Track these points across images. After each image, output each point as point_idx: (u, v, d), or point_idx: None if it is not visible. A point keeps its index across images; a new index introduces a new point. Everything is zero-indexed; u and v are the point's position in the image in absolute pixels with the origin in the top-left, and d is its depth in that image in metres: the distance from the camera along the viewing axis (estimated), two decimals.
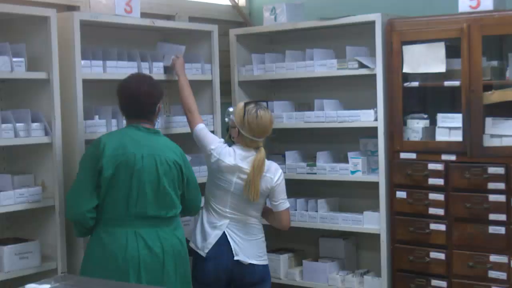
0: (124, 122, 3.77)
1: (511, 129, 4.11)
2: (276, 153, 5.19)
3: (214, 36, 4.72)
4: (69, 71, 3.83)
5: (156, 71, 4.28)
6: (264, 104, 4.02)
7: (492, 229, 4.07)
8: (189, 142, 4.78)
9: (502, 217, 4.05)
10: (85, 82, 3.88)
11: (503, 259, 4.05)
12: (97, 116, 3.99)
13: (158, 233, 3.52)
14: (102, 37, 4.31)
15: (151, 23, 4.35)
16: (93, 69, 3.96)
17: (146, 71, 4.20)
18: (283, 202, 3.92)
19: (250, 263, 3.83)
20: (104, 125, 3.97)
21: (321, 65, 4.74)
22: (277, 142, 5.29)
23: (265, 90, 5.28)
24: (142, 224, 3.49)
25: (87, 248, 3.54)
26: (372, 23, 4.48)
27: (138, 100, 3.61)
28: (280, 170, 3.93)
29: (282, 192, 3.91)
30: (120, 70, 4.07)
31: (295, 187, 5.03)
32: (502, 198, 4.05)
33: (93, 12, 4.09)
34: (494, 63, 4.23)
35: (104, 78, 4.04)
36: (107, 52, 4.12)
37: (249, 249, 3.87)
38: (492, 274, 4.08)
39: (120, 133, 3.64)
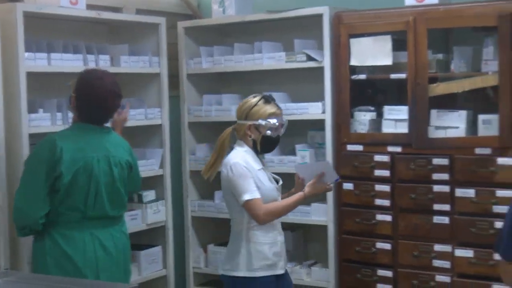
0: (70, 115, 3.71)
1: (455, 121, 4.18)
2: None
3: (161, 29, 4.70)
4: (13, 64, 3.77)
5: (103, 64, 4.24)
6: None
7: (436, 219, 4.14)
8: (137, 136, 4.77)
9: (446, 207, 4.12)
10: (30, 75, 3.82)
11: (447, 248, 4.12)
12: (41, 110, 3.93)
13: (111, 233, 3.53)
14: (47, 30, 4.26)
15: (97, 15, 4.31)
16: (37, 62, 3.90)
17: (92, 64, 4.16)
18: (239, 196, 3.55)
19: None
20: (48, 119, 3.92)
21: (269, 58, 4.75)
22: None
23: (214, 83, 5.27)
24: (97, 225, 3.48)
25: (39, 249, 3.46)
26: (320, 16, 4.51)
27: (105, 104, 3.48)
28: (229, 164, 3.64)
29: (235, 187, 3.57)
30: (65, 62, 4.02)
31: None
32: (446, 188, 4.12)
33: (38, 3, 4.03)
34: (440, 56, 4.29)
35: (49, 71, 3.99)
36: (52, 45, 4.08)
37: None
38: (436, 263, 4.15)
39: (74, 134, 3.49)
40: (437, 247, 4.15)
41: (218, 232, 5.24)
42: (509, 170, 3.93)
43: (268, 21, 4.89)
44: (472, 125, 4.18)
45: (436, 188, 4.14)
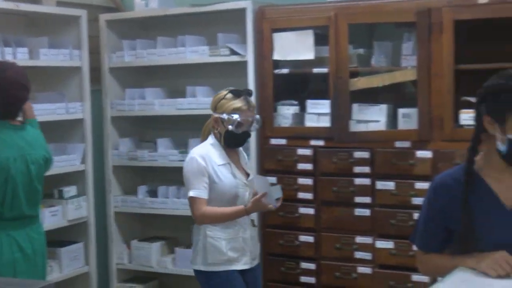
0: None
1: (376, 114, 4.25)
2: (147, 141, 5.15)
3: (82, 22, 4.63)
4: None
5: (21, 57, 4.14)
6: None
7: (357, 212, 4.21)
8: (58, 131, 4.67)
9: (367, 199, 4.19)
10: None
11: (368, 240, 4.19)
12: None
13: (28, 233, 3.47)
14: None
15: (15, 6, 4.20)
16: None
17: (9, 57, 4.06)
18: (187, 190, 3.57)
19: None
20: None
21: (192, 52, 4.73)
22: (149, 130, 5.25)
23: (137, 77, 5.21)
24: (15, 225, 3.41)
25: None
26: (243, 10, 4.51)
27: (8, 95, 3.38)
28: (188, 157, 3.59)
29: (185, 181, 3.57)
30: None
31: (167, 175, 5.02)
32: (367, 181, 4.19)
33: None
34: (360, 50, 4.35)
35: None
36: None
37: None
38: (358, 254, 4.22)
39: None
40: (359, 239, 4.22)
41: (141, 227, 5.20)
42: (427, 162, 4.02)
43: (191, 14, 4.87)
44: (392, 119, 4.26)
45: (357, 181, 4.21)
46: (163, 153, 4.86)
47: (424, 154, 4.04)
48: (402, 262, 4.06)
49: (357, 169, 4.21)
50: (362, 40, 4.44)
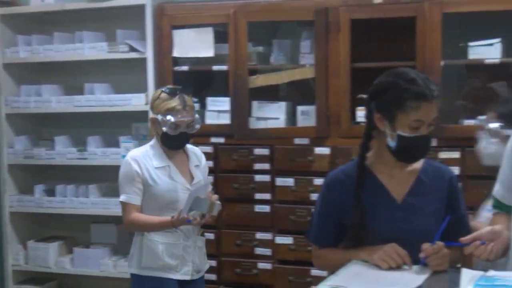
0: None
1: (275, 112, 4.30)
2: (45, 139, 5.03)
3: None
4: None
5: None
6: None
7: (258, 208, 4.25)
8: None
9: (267, 196, 4.23)
10: None
11: (268, 236, 4.24)
12: None
13: None
14: None
15: None
16: None
17: None
18: (120, 193, 3.40)
19: None
20: None
21: (91, 48, 4.65)
22: (47, 127, 5.13)
23: (33, 73, 5.07)
24: None
25: None
26: (142, 6, 4.47)
27: None
28: (123, 161, 3.41)
29: (119, 184, 3.39)
30: None
31: (65, 173, 4.92)
32: (267, 178, 4.23)
33: None
34: (260, 48, 4.39)
35: None
36: None
37: None
38: (258, 250, 4.26)
39: None
40: (259, 235, 4.26)
41: (38, 227, 5.07)
42: (325, 159, 4.10)
43: (89, 10, 4.78)
44: (292, 116, 4.32)
45: (258, 177, 4.24)
46: (61, 151, 4.75)
47: (322, 150, 4.11)
48: (301, 257, 4.12)
49: (257, 166, 4.24)
50: (262, 38, 4.48)
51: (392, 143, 2.34)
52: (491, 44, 3.88)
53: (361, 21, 4.01)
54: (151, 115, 3.41)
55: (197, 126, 3.42)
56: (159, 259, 3.32)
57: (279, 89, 4.43)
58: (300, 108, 4.25)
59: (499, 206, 2.46)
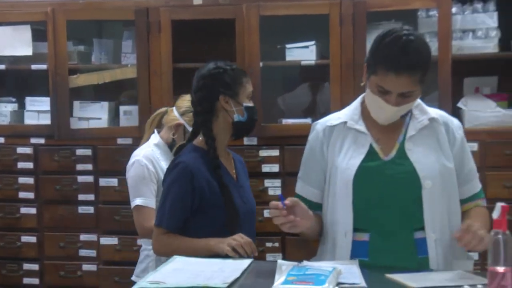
0: None
1: (98, 112, 4.27)
2: None
3: None
4: None
5: None
6: None
7: (81, 209, 4.20)
8: None
9: (91, 197, 4.19)
10: None
11: (92, 237, 4.20)
12: None
13: None
14: None
15: None
16: None
17: None
18: (132, 198, 3.18)
19: None
20: None
21: None
22: None
23: None
24: None
25: None
26: None
27: None
28: (133, 159, 3.20)
29: (130, 187, 3.19)
30: None
31: None
32: (90, 178, 4.19)
33: None
34: (81, 47, 4.34)
35: None
36: None
37: None
38: (83, 252, 4.21)
39: None
40: (83, 237, 4.21)
41: None
42: None
43: None
44: (114, 116, 4.31)
45: (80, 178, 4.20)
46: None
47: None
48: (127, 257, 4.10)
49: (80, 167, 4.19)
50: (83, 37, 4.43)
51: (240, 117, 2.67)
52: (306, 47, 4.08)
53: (182, 22, 4.08)
54: (176, 117, 3.19)
55: None
56: None
57: (102, 88, 4.39)
58: (122, 108, 4.25)
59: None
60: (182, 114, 3.18)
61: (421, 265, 2.34)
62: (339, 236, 2.39)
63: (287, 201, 2.29)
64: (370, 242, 2.37)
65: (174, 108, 3.24)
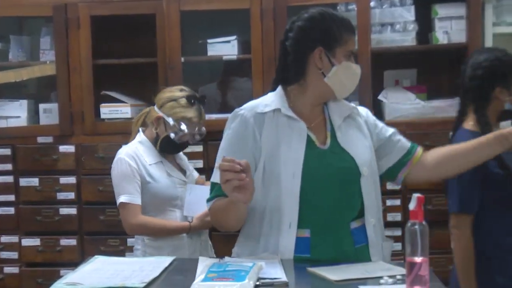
0: None
1: (16, 110, 4.18)
2: None
3: None
4: None
5: None
6: None
7: (1, 210, 4.11)
8: None
9: (11, 197, 4.11)
10: None
11: (14, 239, 4.11)
12: None
13: None
14: None
15: None
16: None
17: None
18: (117, 196, 3.15)
19: None
20: None
21: None
22: None
23: None
24: None
25: None
26: None
27: None
28: (116, 158, 3.17)
29: (114, 185, 3.17)
30: None
31: None
32: (10, 178, 4.11)
33: None
34: None
35: None
36: None
37: None
38: (4, 254, 4.12)
39: None
40: (4, 239, 4.12)
41: None
42: (70, 157, 4.05)
43: None
44: (34, 114, 4.22)
45: (0, 179, 4.10)
46: None
47: (67, 148, 4.06)
48: (50, 258, 4.05)
49: None
50: (0, 34, 4.32)
51: None
52: (228, 42, 4.07)
53: (101, 17, 4.02)
54: (156, 112, 3.18)
55: (199, 138, 3.27)
56: None
57: (20, 86, 4.29)
58: (42, 106, 4.17)
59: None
60: (161, 107, 3.18)
61: (359, 255, 2.35)
62: (284, 227, 2.32)
63: (242, 161, 2.11)
64: (311, 238, 2.33)
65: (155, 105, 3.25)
